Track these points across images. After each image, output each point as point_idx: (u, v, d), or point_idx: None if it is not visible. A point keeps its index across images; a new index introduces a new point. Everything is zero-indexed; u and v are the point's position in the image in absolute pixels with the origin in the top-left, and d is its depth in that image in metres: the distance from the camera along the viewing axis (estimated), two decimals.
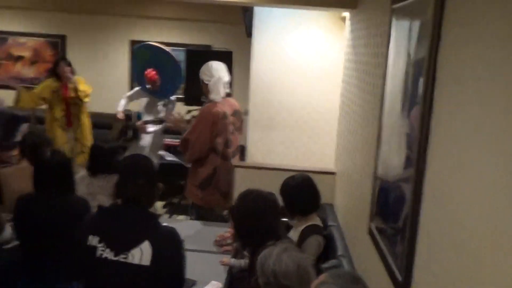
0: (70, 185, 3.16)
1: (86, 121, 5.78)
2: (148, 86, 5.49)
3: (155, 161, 5.65)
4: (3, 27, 7.31)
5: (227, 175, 4.21)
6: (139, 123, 5.41)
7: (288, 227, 3.32)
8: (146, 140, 5.59)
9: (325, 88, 4.77)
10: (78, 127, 5.69)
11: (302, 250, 2.96)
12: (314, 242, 3.04)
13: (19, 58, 7.32)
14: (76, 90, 5.47)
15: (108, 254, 2.30)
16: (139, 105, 5.79)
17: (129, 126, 5.54)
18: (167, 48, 5.54)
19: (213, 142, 4.10)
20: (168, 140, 6.21)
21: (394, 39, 2.43)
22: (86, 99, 5.59)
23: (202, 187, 4.16)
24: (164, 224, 2.56)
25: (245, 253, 2.90)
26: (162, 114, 5.51)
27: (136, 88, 5.77)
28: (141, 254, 2.28)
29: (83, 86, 5.60)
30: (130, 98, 5.76)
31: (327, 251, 3.14)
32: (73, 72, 5.66)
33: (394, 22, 2.46)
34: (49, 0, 7.07)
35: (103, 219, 2.39)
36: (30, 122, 5.65)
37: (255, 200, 2.55)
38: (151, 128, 5.46)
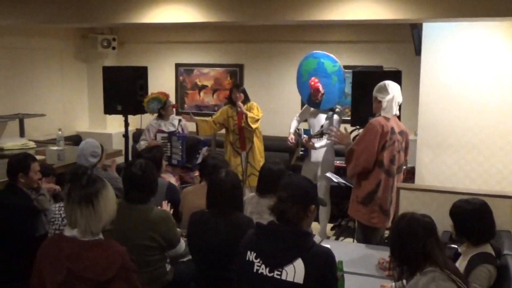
0: (239, 205, 3.35)
1: (259, 145, 6.02)
2: (313, 98, 5.58)
3: (326, 181, 5.69)
4: (190, 59, 8.09)
5: (389, 192, 4.07)
6: (304, 140, 5.50)
7: (457, 255, 3.10)
8: (316, 156, 5.65)
9: (503, 104, 4.40)
10: (251, 150, 5.99)
11: (469, 281, 2.75)
12: (484, 272, 2.79)
13: (203, 87, 8.03)
14: (246, 116, 5.79)
15: (263, 270, 2.40)
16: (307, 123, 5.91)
17: (299, 144, 5.67)
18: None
19: (380, 156, 4.02)
20: (338, 163, 6.22)
21: None
22: (254, 125, 5.86)
23: (364, 202, 4.07)
24: (321, 244, 2.58)
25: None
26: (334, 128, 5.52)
27: (305, 106, 5.90)
28: (294, 271, 2.34)
29: (255, 111, 5.89)
30: (301, 117, 5.91)
31: (501, 283, 2.85)
32: (247, 98, 6.00)
33: None
34: (228, 33, 7.65)
35: (260, 236, 2.50)
36: (210, 146, 6.10)
37: (409, 224, 2.44)
38: (318, 143, 5.51)
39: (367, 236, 4.17)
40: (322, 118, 5.65)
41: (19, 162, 3.93)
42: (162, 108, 5.91)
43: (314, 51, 5.80)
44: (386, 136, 4.00)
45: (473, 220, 2.96)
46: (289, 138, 5.73)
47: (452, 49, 4.57)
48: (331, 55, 5.69)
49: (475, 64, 4.50)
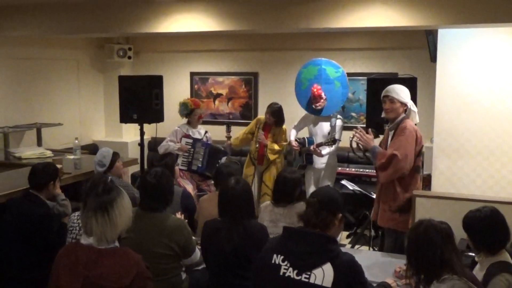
0: (251, 212, 3.34)
1: (279, 167, 5.91)
2: (314, 106, 5.56)
3: (329, 184, 5.65)
4: (205, 68, 8.14)
5: None
6: (312, 147, 5.46)
7: (474, 263, 3.06)
8: (321, 162, 5.62)
9: None
10: (268, 170, 5.94)
11: None
12: (502, 282, 2.74)
13: (218, 95, 8.07)
14: (266, 147, 5.81)
15: (291, 273, 2.39)
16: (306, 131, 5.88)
17: (302, 152, 5.64)
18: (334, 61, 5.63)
19: (417, 161, 3.97)
20: (353, 170, 6.19)
21: None
22: (272, 157, 5.85)
23: (402, 210, 3.99)
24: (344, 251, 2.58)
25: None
26: (336, 135, 5.46)
27: (302, 115, 5.86)
28: (323, 275, 2.33)
29: (282, 139, 5.87)
30: (298, 127, 5.86)
31: None
32: (280, 120, 5.90)
33: None
34: (242, 41, 7.70)
35: (288, 240, 2.49)
36: (228, 154, 6.13)
37: (426, 231, 2.42)
38: (324, 150, 5.46)
39: (401, 242, 4.05)
40: (324, 125, 5.61)
41: (54, 172, 3.98)
42: (188, 115, 5.97)
43: (315, 58, 5.77)
44: (422, 142, 3.99)
45: (486, 228, 2.92)
46: (293, 144, 5.66)
47: (468, 55, 4.54)
48: (333, 61, 5.66)
49: (491, 70, 4.47)
